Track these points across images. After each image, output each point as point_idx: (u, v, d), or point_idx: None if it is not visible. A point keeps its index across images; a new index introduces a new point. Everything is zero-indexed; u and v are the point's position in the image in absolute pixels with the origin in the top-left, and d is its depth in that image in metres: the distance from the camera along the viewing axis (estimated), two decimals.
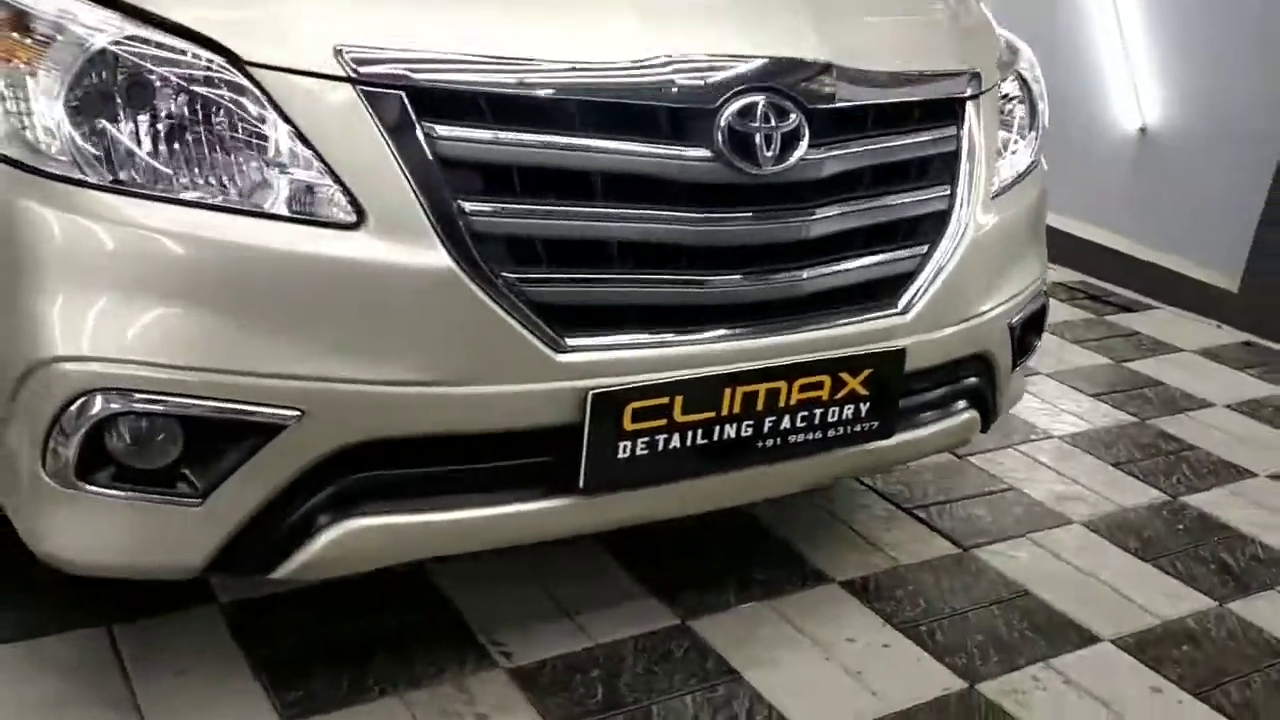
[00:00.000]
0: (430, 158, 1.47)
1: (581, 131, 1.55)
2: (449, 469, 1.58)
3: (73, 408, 1.41)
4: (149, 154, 1.42)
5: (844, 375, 1.77)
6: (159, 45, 1.42)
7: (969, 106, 1.95)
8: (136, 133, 1.42)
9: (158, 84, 1.42)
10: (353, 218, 1.45)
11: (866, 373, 1.79)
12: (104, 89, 1.41)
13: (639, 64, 1.59)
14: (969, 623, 2.15)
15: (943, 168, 1.92)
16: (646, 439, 1.63)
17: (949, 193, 1.91)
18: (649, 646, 1.98)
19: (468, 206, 1.49)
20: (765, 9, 1.78)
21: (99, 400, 1.41)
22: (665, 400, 1.62)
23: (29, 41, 1.42)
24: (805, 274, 1.74)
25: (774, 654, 1.99)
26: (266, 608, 1.95)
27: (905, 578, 2.28)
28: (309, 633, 1.90)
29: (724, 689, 1.89)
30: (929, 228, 1.89)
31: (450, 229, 1.48)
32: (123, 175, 1.41)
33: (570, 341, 1.55)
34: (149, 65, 1.42)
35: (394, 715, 1.76)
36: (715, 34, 1.68)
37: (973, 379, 2.05)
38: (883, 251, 1.84)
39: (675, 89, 1.59)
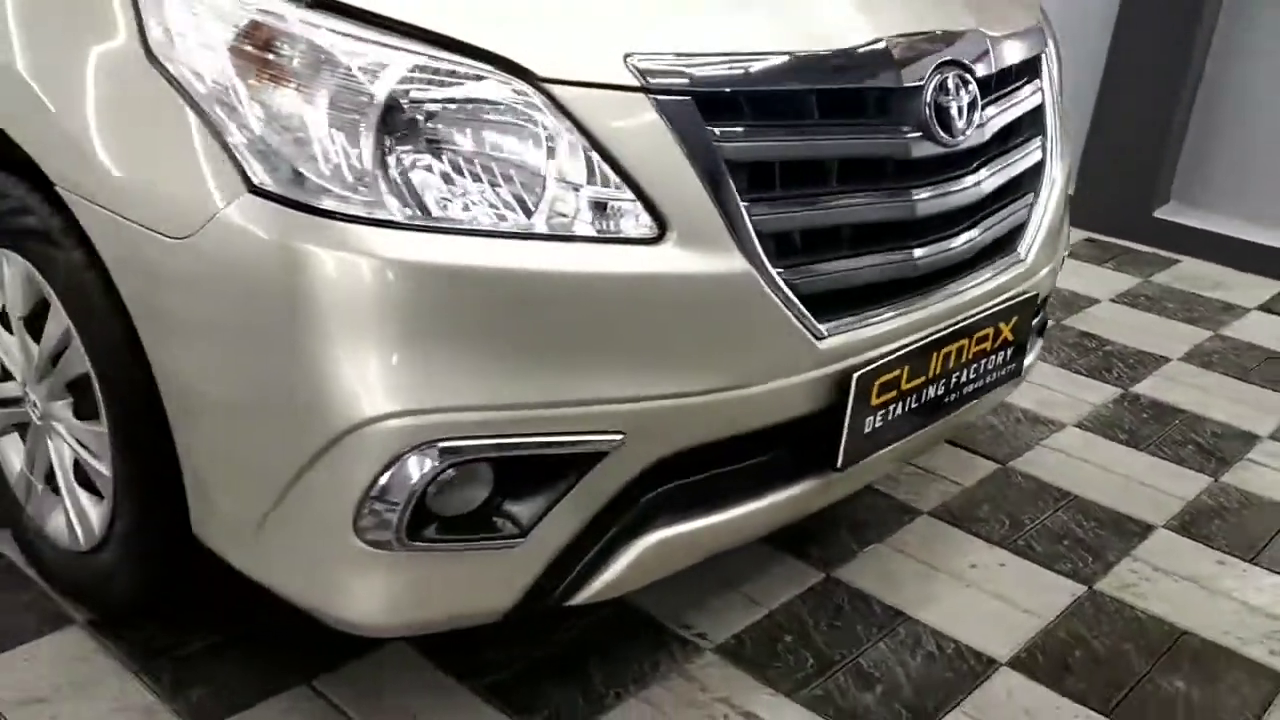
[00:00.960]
0: (719, 160, 1.45)
1: (827, 119, 1.57)
2: (728, 469, 1.59)
3: (394, 468, 1.32)
4: (449, 186, 1.32)
5: (1001, 325, 1.90)
6: (454, 70, 1.31)
7: (1043, 60, 2.10)
8: (435, 164, 1.32)
9: (455, 110, 1.32)
10: (655, 231, 1.41)
11: (1014, 320, 1.92)
12: (401, 120, 1.30)
13: (863, 47, 1.62)
14: (1050, 531, 2.37)
15: (1036, 120, 2.06)
16: (884, 410, 1.69)
17: (1043, 144, 2.06)
18: (817, 604, 2.06)
19: (751, 206, 1.48)
20: None
21: (425, 456, 1.32)
22: (898, 372, 1.69)
23: (318, 75, 1.29)
24: (978, 233, 1.84)
25: (923, 590, 2.13)
26: (453, 637, 1.87)
27: (978, 499, 2.47)
28: (517, 655, 1.85)
29: (904, 630, 2.00)
30: (1035, 178, 2.04)
31: (741, 230, 1.47)
32: (422, 210, 1.31)
33: (824, 327, 1.59)
34: (446, 92, 1.31)
35: (644, 716, 1.76)
36: (907, 13, 1.73)
37: (1037, 322, 2.23)
38: (1016, 203, 1.97)
39: (896, 69, 1.63)
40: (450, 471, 1.35)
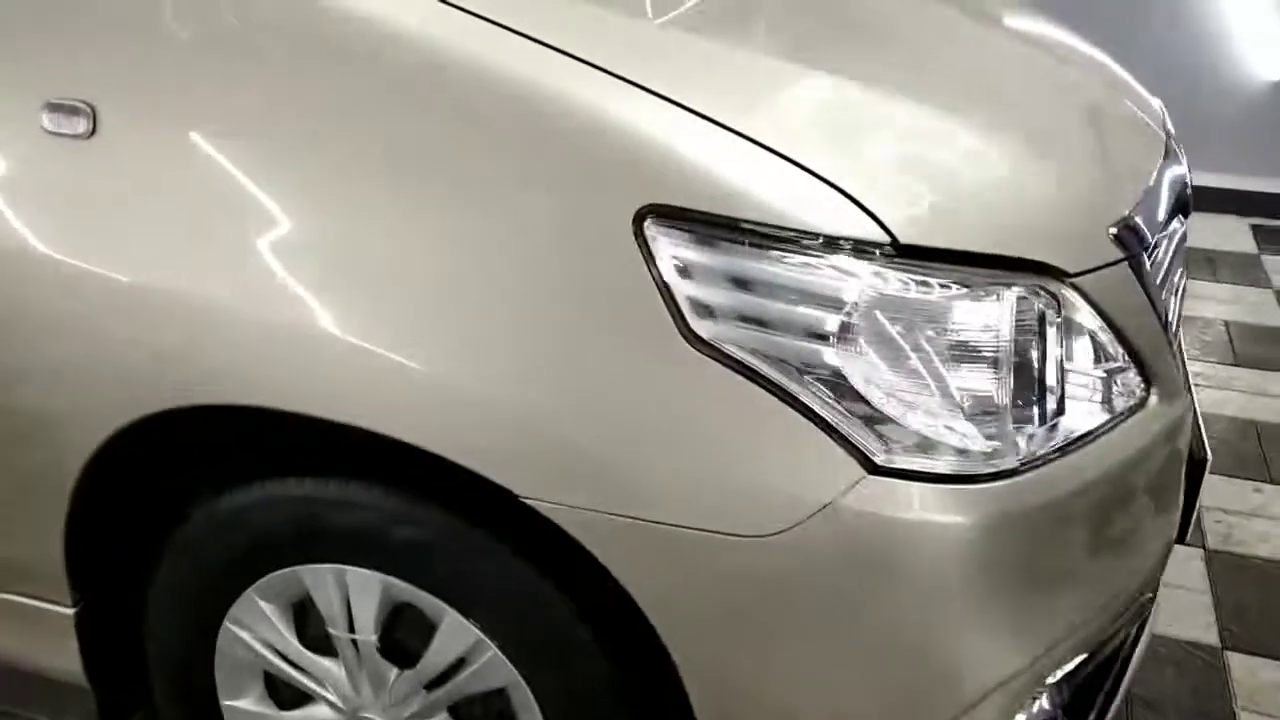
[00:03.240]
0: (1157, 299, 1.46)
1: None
2: None
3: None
4: (1039, 411, 1.25)
5: None
6: (1037, 290, 1.23)
7: None
8: (1029, 394, 1.24)
9: (1037, 330, 1.24)
10: (1144, 391, 1.42)
11: None
12: (1019, 358, 1.21)
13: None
14: None
15: None
16: None
17: None
18: None
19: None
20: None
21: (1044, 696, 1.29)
22: None
23: (944, 333, 1.17)
24: None
25: None
26: None
27: None
28: None
29: None
30: None
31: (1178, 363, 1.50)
32: (1023, 444, 1.24)
33: None
34: (1030, 315, 1.23)
35: None
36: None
37: None
38: None
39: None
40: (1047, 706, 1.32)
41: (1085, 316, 1.30)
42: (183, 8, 1.28)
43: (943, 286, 1.18)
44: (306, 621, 1.48)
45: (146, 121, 1.28)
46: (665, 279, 1.17)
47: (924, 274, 1.18)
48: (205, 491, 1.42)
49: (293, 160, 1.25)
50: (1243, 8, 4.52)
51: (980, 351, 1.19)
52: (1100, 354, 1.35)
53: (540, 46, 1.21)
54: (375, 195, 1.23)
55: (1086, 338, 1.32)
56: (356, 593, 1.40)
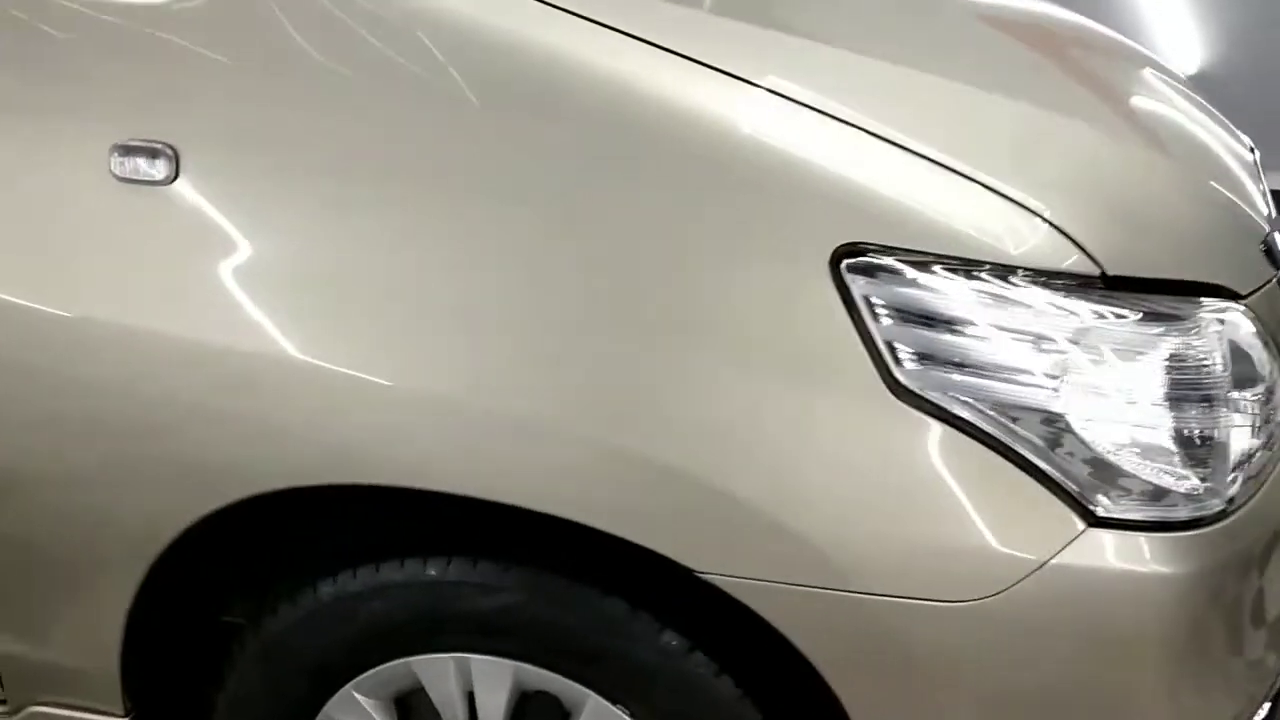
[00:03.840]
0: None
1: None
2: None
3: None
4: (1248, 446, 1.17)
5: None
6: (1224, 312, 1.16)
7: None
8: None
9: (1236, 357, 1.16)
10: None
11: None
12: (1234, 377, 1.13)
13: None
14: None
15: None
16: None
17: None
18: None
19: None
20: None
21: None
22: None
23: (1179, 373, 1.08)
24: None
25: None
26: None
27: None
28: None
29: None
30: None
31: None
32: (1234, 484, 1.15)
33: None
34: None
35: None
36: None
37: None
38: None
39: None
40: None
41: (1252, 338, 1.24)
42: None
43: (1150, 318, 1.10)
44: (409, 717, 1.33)
45: (239, 165, 1.11)
46: (866, 324, 1.05)
47: (1132, 306, 1.09)
48: (290, 583, 1.26)
49: (438, 218, 1.10)
50: None
51: (1198, 386, 1.10)
52: (1258, 376, 1.29)
53: (722, 74, 1.09)
54: (536, 252, 1.09)
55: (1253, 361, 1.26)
56: (482, 682, 1.24)
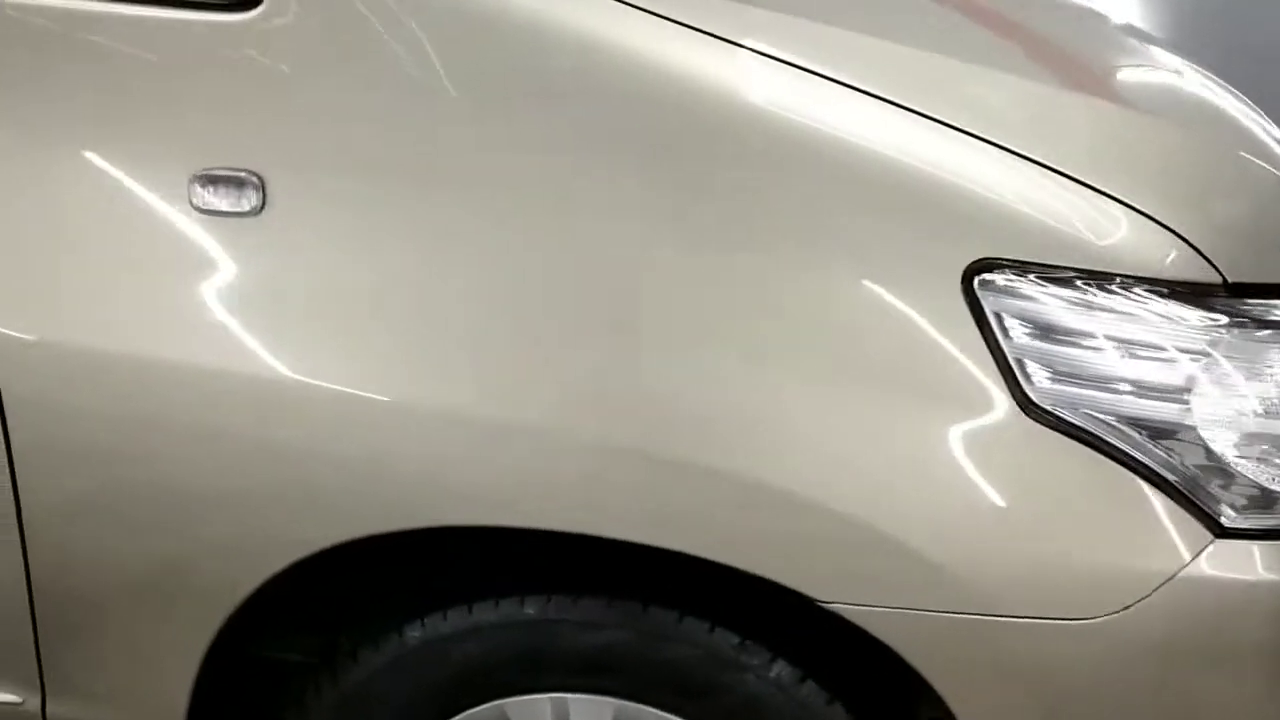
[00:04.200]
0: None
1: None
2: None
3: None
4: None
5: None
6: None
7: None
8: None
9: None
10: None
11: None
12: None
13: None
14: None
15: None
16: None
17: None
18: None
19: None
20: None
21: None
22: None
23: None
24: None
25: None
26: None
27: None
28: None
29: None
30: None
31: None
32: None
33: None
34: None
35: None
36: None
37: None
38: None
39: None
40: None
41: None
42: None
43: (1269, 324, 1.08)
44: None
45: (332, 189, 1.05)
46: (998, 340, 1.02)
47: (1256, 313, 1.08)
48: (370, 628, 1.20)
49: (548, 235, 1.04)
50: None
51: None
52: None
53: (851, 91, 1.05)
54: (668, 279, 1.05)
55: None
56: (580, 717, 1.20)
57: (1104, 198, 1.05)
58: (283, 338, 1.05)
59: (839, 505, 1.04)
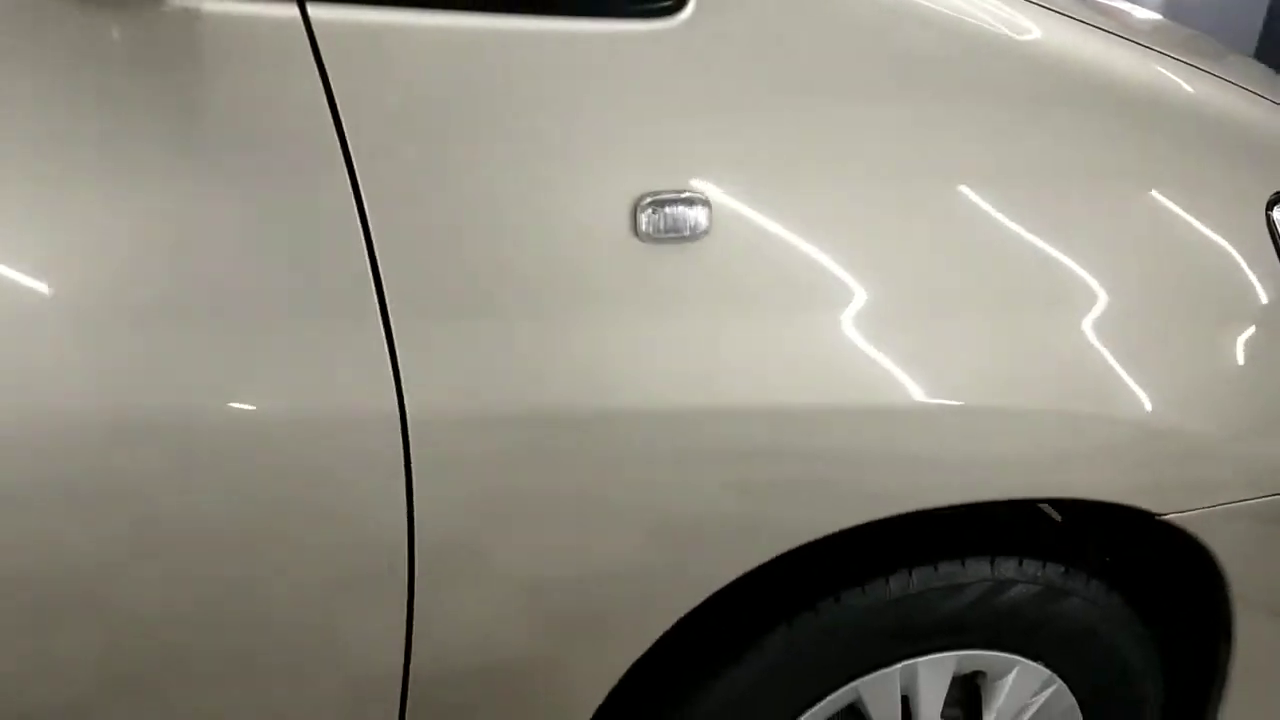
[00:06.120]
0: None
1: None
2: None
3: None
4: None
5: None
6: None
7: None
8: None
9: None
10: None
11: None
12: None
13: None
14: None
15: None
16: None
17: None
18: None
19: None
20: None
21: None
22: None
23: None
24: None
25: None
26: None
27: None
28: None
29: None
30: None
31: None
32: None
33: None
34: None
35: None
36: None
37: None
38: None
39: None
40: None
41: None
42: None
43: None
44: None
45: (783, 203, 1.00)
46: None
47: None
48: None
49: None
50: None
51: None
52: None
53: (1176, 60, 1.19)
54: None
55: None
56: (928, 677, 1.24)
57: None
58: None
59: (1187, 425, 1.17)
